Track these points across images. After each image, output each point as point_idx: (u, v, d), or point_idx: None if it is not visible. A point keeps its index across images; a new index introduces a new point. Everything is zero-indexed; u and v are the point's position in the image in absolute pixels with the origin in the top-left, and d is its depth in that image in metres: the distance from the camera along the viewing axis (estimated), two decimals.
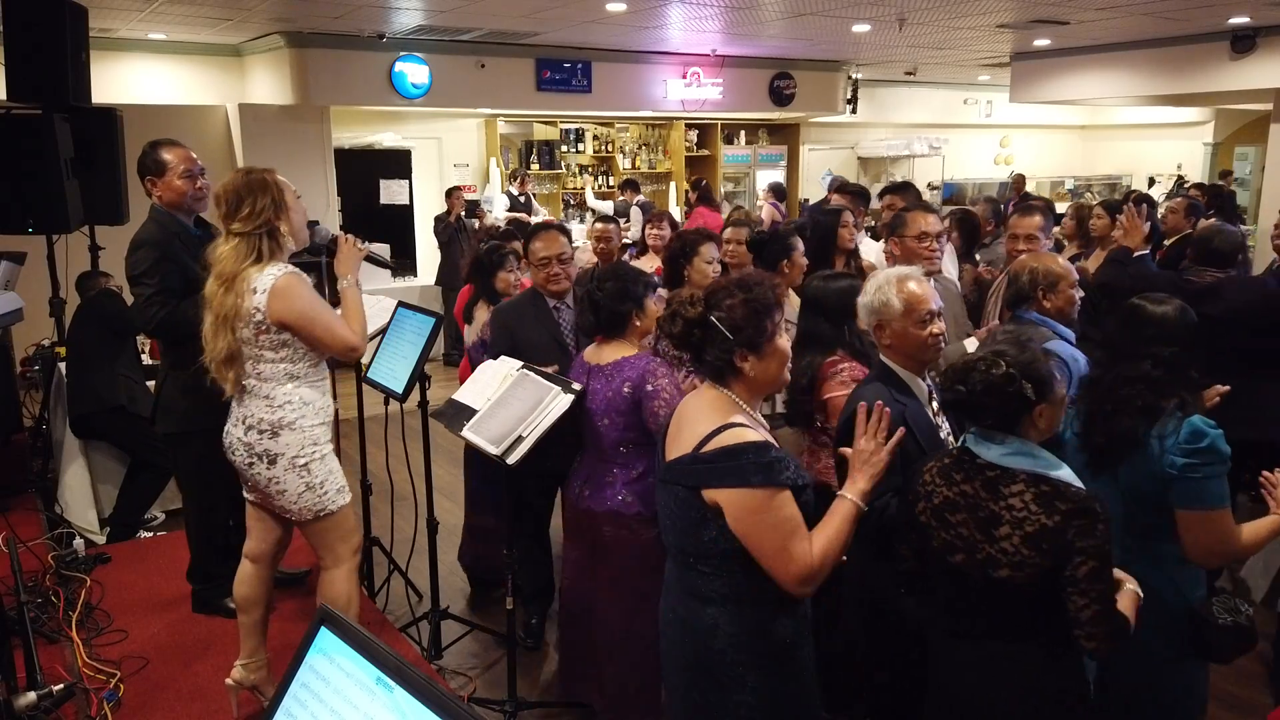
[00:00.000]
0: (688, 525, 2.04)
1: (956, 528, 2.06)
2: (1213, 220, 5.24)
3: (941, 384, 2.17)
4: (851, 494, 2.09)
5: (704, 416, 2.07)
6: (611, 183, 11.58)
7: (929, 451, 2.38)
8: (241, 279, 2.78)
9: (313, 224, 3.11)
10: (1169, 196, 9.02)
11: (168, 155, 3.62)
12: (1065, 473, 2.02)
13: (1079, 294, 3.19)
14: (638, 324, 3.00)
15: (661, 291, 3.17)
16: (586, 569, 3.07)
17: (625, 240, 7.07)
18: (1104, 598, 1.94)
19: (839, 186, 6.50)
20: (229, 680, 3.18)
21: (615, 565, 2.96)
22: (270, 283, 2.76)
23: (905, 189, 5.34)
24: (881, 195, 5.50)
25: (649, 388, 2.86)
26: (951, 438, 2.55)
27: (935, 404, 2.58)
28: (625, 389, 2.88)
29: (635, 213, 9.93)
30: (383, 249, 8.99)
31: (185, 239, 3.59)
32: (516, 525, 4.29)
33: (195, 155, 3.72)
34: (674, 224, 5.57)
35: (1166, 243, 5.77)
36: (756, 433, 2.02)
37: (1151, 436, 2.33)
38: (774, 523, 1.95)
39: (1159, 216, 5.97)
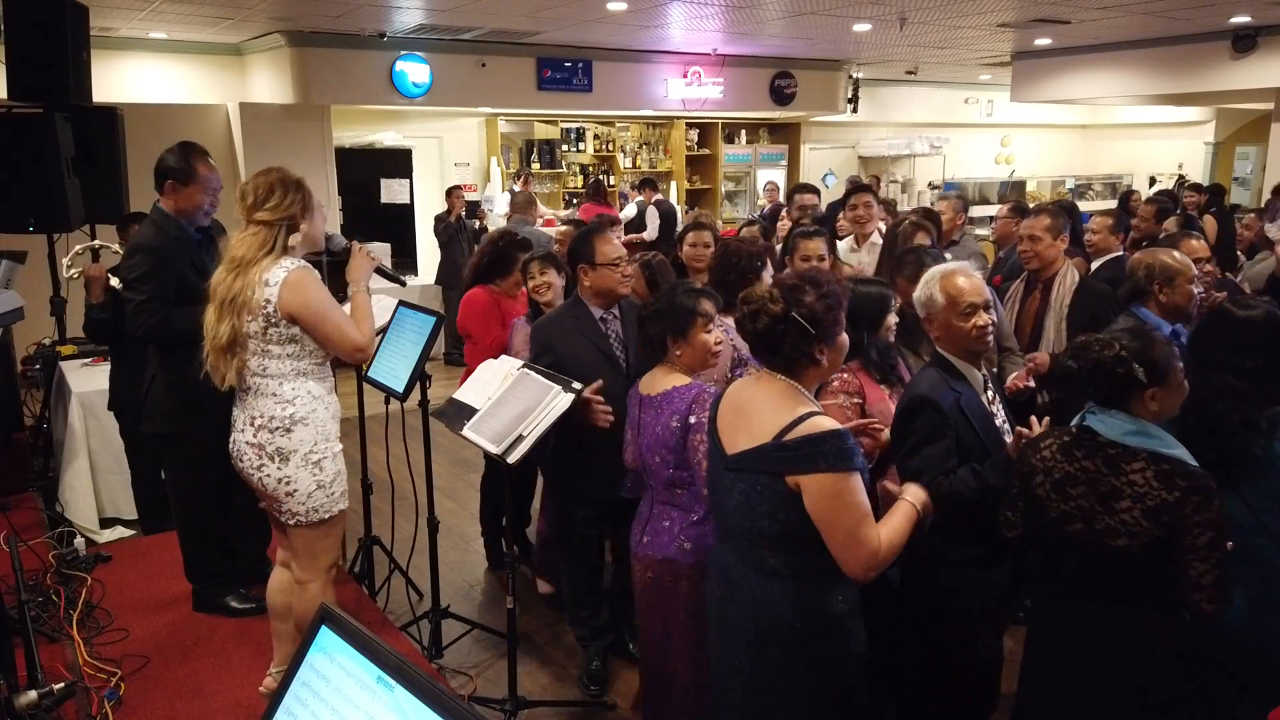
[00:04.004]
0: (766, 510, 2.15)
1: (1076, 500, 2.22)
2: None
3: (1064, 353, 2.31)
4: (911, 497, 2.26)
5: (776, 406, 2.16)
6: (612, 182, 11.56)
7: (984, 437, 2.51)
8: (255, 268, 2.76)
9: (329, 235, 3.11)
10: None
11: (203, 169, 3.53)
12: (1182, 452, 2.16)
13: (1198, 290, 3.14)
14: (678, 354, 2.77)
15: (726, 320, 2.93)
16: (658, 620, 2.84)
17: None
18: (1222, 564, 2.09)
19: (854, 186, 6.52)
20: (262, 688, 3.20)
21: (675, 617, 2.77)
22: (283, 275, 2.76)
23: (818, 192, 5.35)
24: (848, 195, 5.43)
25: (693, 419, 2.65)
26: (1007, 425, 2.64)
27: (990, 392, 2.67)
28: (674, 422, 2.68)
29: (651, 213, 9.77)
30: (384, 248, 9.01)
31: (185, 243, 3.53)
32: (541, 539, 4.24)
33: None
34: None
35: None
36: (832, 420, 2.14)
37: (1275, 447, 2.37)
38: (850, 505, 2.08)
39: (1133, 222, 6.05)
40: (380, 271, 3.22)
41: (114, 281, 4.23)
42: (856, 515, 2.08)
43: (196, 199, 3.53)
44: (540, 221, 9.84)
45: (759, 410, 2.18)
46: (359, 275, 3.04)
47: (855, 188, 5.48)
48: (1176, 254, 3.21)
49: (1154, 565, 2.15)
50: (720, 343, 2.84)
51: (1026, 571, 2.65)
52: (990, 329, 2.57)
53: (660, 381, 2.79)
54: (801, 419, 2.10)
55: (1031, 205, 5.51)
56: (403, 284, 3.58)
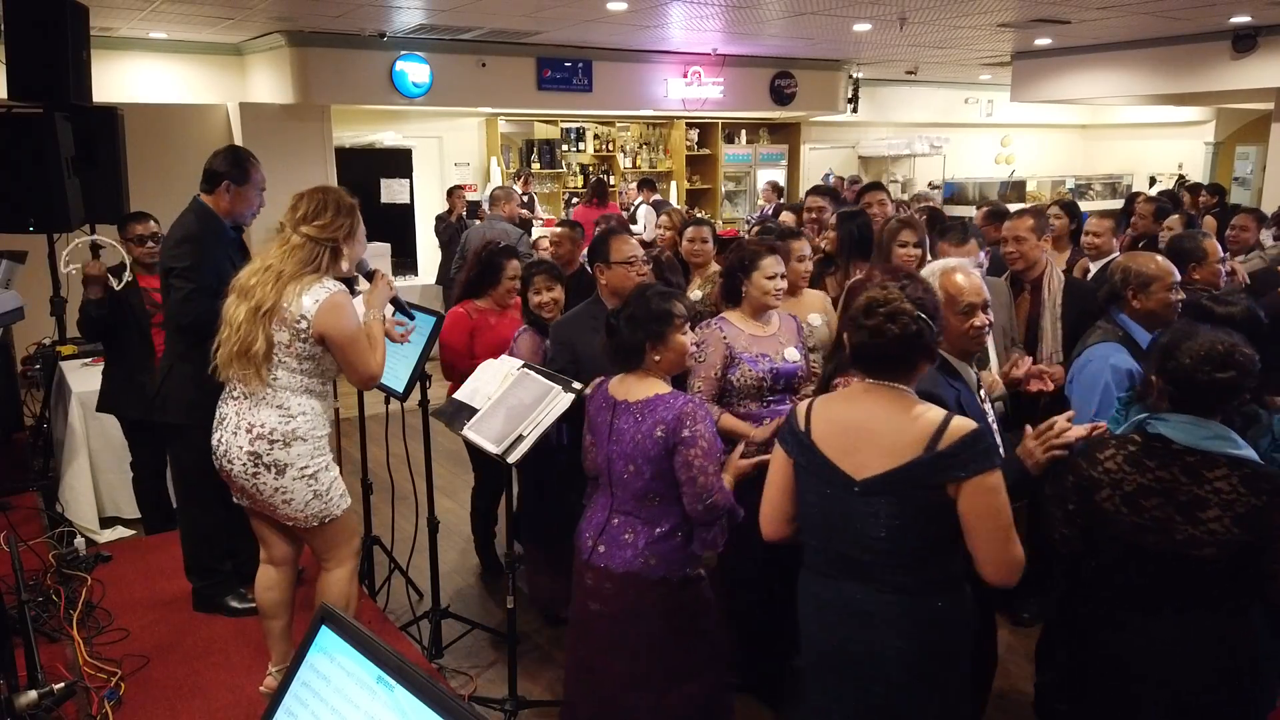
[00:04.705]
0: (909, 527, 2.05)
1: (1150, 511, 2.16)
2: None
3: (1194, 366, 2.12)
4: None
5: (905, 416, 2.06)
6: (613, 181, 11.55)
7: None
8: (296, 282, 2.78)
9: (359, 260, 3.11)
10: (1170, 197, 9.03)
11: (256, 174, 3.62)
12: (1250, 451, 2.14)
13: (1177, 297, 2.96)
14: (656, 359, 2.63)
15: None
16: (591, 631, 2.72)
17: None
18: None
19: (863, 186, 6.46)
20: (262, 688, 3.22)
21: (632, 632, 2.63)
22: (325, 295, 2.79)
23: (828, 195, 5.29)
24: (861, 194, 5.36)
25: (686, 433, 2.50)
26: (996, 425, 2.60)
27: (983, 391, 2.64)
28: (658, 432, 2.53)
29: (647, 213, 9.73)
30: (384, 248, 9.01)
31: (223, 238, 3.60)
32: (533, 532, 4.13)
33: None
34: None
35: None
36: (969, 419, 2.06)
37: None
38: (1006, 501, 2.02)
39: (1132, 221, 6.07)
40: (394, 301, 3.22)
41: (112, 280, 4.23)
42: (1009, 512, 2.01)
43: (249, 199, 3.64)
44: (541, 222, 9.88)
45: (891, 425, 2.06)
46: (377, 303, 3.05)
47: (868, 186, 5.43)
48: (1159, 259, 3.06)
49: (1235, 571, 2.12)
50: (701, 343, 2.80)
51: (1034, 574, 2.63)
52: (986, 329, 2.55)
53: (637, 388, 2.64)
54: (945, 423, 2.02)
55: (1029, 205, 5.52)
56: (411, 318, 3.51)
